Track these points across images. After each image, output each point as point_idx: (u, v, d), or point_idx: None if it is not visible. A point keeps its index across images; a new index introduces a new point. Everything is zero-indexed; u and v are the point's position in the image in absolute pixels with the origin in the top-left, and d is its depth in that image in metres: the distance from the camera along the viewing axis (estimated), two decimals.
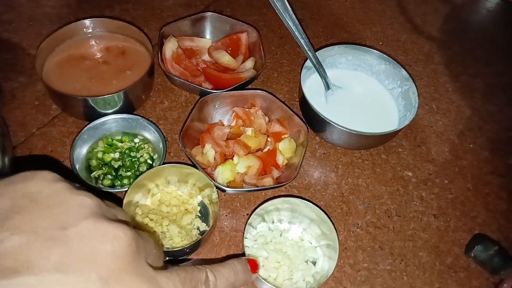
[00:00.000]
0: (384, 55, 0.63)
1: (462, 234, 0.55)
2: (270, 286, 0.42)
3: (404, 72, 0.62)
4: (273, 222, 0.51)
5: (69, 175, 0.49)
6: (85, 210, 0.25)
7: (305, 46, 0.59)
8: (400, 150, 0.63)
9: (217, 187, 0.48)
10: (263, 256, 0.47)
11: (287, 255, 0.48)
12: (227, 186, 0.51)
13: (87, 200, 0.25)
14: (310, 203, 0.48)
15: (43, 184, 0.25)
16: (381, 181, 0.59)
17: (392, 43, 0.78)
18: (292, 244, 0.49)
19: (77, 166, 0.50)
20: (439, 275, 0.51)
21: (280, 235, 0.50)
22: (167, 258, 0.47)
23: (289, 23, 0.57)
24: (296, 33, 0.58)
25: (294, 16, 0.57)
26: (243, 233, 0.47)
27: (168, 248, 0.45)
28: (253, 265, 0.39)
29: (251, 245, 0.48)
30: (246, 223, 0.47)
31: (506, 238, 0.55)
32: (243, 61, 0.66)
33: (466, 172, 0.62)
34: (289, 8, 0.57)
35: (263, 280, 0.42)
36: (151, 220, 0.48)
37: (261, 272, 0.46)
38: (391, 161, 0.61)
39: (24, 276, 0.22)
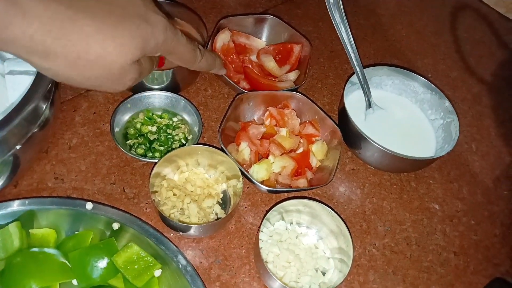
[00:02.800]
0: (431, 85, 0.63)
1: (480, 278, 0.53)
2: (279, 282, 0.42)
3: (448, 104, 0.61)
4: (291, 223, 0.51)
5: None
6: None
7: (354, 61, 0.59)
8: (431, 181, 0.61)
9: (252, 182, 0.49)
10: (274, 252, 0.47)
11: (299, 258, 0.47)
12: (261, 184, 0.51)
13: None
14: (333, 212, 0.47)
15: None
16: (406, 208, 0.57)
17: (442, 78, 0.77)
18: (306, 249, 0.49)
19: (115, 130, 0.52)
20: None
21: (296, 237, 0.50)
22: (180, 233, 0.47)
23: (343, 36, 0.58)
24: (348, 46, 0.59)
25: (349, 30, 0.58)
26: (259, 227, 0.47)
27: (185, 223, 0.46)
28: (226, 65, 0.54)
29: (265, 239, 0.48)
30: (263, 218, 0.47)
31: None
32: (289, 71, 0.67)
33: (495, 218, 0.60)
34: (346, 22, 0.58)
35: (271, 274, 0.42)
36: (174, 194, 0.49)
37: (270, 267, 0.45)
38: (420, 190, 0.60)
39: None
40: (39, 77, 0.44)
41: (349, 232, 0.47)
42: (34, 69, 0.50)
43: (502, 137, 0.71)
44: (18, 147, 0.42)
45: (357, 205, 0.56)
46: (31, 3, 0.28)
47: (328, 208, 0.48)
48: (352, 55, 0.59)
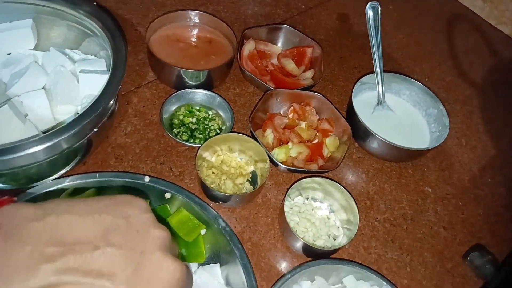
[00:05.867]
0: (427, 88, 0.73)
1: (465, 247, 0.64)
2: (301, 241, 0.53)
3: (442, 106, 0.72)
4: (307, 199, 0.62)
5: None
6: (159, 241, 0.31)
7: (377, 63, 0.70)
8: (425, 169, 0.72)
9: (273, 162, 0.60)
10: (295, 220, 0.58)
11: (315, 225, 0.58)
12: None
13: (163, 234, 0.32)
14: (343, 188, 0.58)
15: (136, 212, 0.32)
16: (403, 190, 0.68)
17: (437, 81, 0.88)
18: (320, 219, 0.60)
19: (164, 120, 0.63)
20: (438, 274, 0.60)
21: (312, 209, 0.60)
22: (221, 202, 0.58)
23: (373, 38, 0.69)
24: (375, 48, 0.70)
25: (379, 34, 0.69)
26: (283, 199, 0.58)
27: (223, 192, 0.57)
28: None
29: (287, 211, 0.59)
30: (285, 194, 0.58)
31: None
32: (304, 71, 0.79)
33: (480, 201, 0.70)
34: (379, 27, 0.69)
35: (295, 234, 0.53)
36: (213, 173, 0.60)
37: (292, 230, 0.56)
38: (415, 176, 0.71)
39: (104, 280, 0.28)
40: (112, 77, 0.55)
41: (356, 205, 0.57)
42: (101, 68, 0.61)
43: (489, 133, 0.81)
44: (95, 130, 0.53)
45: (362, 187, 0.67)
46: None
47: (339, 185, 0.59)
48: (377, 58, 0.70)
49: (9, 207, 0.29)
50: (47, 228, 0.28)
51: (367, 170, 0.69)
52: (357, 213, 0.57)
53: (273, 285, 0.49)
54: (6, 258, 0.26)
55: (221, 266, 0.54)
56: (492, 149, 0.79)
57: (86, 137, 0.54)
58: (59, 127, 0.49)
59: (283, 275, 0.50)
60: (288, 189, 0.60)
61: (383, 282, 0.50)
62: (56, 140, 0.48)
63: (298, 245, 0.54)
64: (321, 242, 0.57)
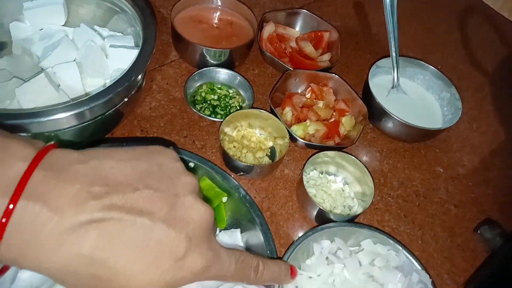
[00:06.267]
0: (440, 73, 0.76)
1: (474, 224, 0.66)
2: (319, 208, 0.55)
3: (454, 90, 0.74)
4: (322, 173, 0.64)
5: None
6: (190, 187, 0.33)
7: (393, 47, 0.72)
8: (437, 150, 0.74)
9: (292, 138, 0.63)
10: (312, 192, 0.61)
11: (331, 196, 0.61)
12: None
13: (192, 181, 0.34)
14: (357, 160, 0.61)
15: (168, 160, 0.34)
16: (416, 169, 0.71)
17: (450, 69, 0.90)
18: (335, 190, 0.62)
19: (188, 96, 0.66)
20: (448, 248, 0.62)
21: (327, 182, 0.63)
22: (242, 173, 0.61)
23: (389, 23, 0.71)
24: (391, 33, 0.71)
25: (396, 19, 0.71)
26: (300, 173, 0.61)
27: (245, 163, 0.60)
28: (293, 271, 0.46)
29: (304, 183, 0.61)
30: (303, 168, 0.61)
31: None
32: (322, 54, 0.81)
33: (489, 182, 0.72)
34: (395, 13, 0.71)
35: (316, 203, 0.56)
36: (234, 146, 0.63)
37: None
38: (428, 156, 0.73)
39: (144, 217, 0.30)
40: (142, 51, 0.57)
41: (370, 174, 0.60)
42: (130, 44, 0.64)
43: (499, 120, 0.83)
44: (125, 100, 0.56)
45: (376, 165, 0.70)
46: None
47: (353, 157, 0.61)
48: (393, 42, 0.72)
49: (56, 151, 0.31)
50: (91, 170, 0.30)
51: (381, 150, 0.72)
52: (372, 181, 0.59)
53: (295, 241, 0.52)
54: (59, 194, 0.28)
55: (241, 232, 0.56)
56: (503, 135, 0.81)
57: (115, 107, 0.56)
58: (91, 95, 0.52)
59: (306, 232, 0.52)
60: (304, 164, 0.62)
61: (399, 247, 0.52)
62: (87, 107, 0.51)
63: (316, 213, 0.57)
64: (338, 212, 0.59)
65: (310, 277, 0.49)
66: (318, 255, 0.51)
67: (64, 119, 0.50)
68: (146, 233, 0.29)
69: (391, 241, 0.53)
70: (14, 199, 0.26)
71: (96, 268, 0.28)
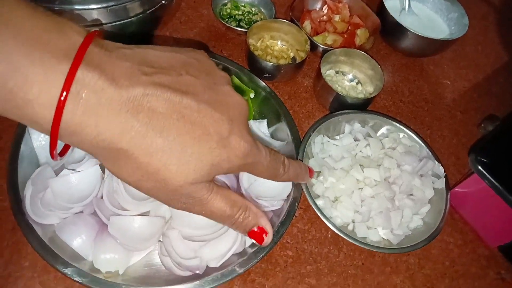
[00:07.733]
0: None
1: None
2: (337, 92, 0.62)
3: (462, 11, 0.79)
4: (337, 72, 0.70)
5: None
6: (226, 79, 0.36)
7: None
8: (445, 66, 0.80)
9: (312, 45, 0.69)
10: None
11: (345, 89, 0.67)
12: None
13: (226, 75, 0.37)
14: (367, 55, 0.67)
15: (203, 57, 0.36)
16: (425, 81, 0.76)
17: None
18: (349, 86, 0.70)
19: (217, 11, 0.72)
20: (454, 146, 0.69)
21: (342, 79, 0.69)
22: (267, 75, 0.67)
23: None
24: None
25: None
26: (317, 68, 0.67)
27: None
28: (311, 171, 0.50)
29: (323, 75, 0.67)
30: (319, 65, 0.67)
31: None
32: None
33: (493, 95, 0.78)
34: None
35: (333, 89, 0.62)
36: (259, 55, 0.69)
37: None
38: (436, 71, 0.79)
39: (189, 98, 0.31)
40: None
41: (381, 69, 0.66)
42: None
43: (503, 45, 0.89)
44: (164, 2, 0.61)
45: (389, 76, 0.75)
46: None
47: (364, 53, 0.67)
48: None
49: (101, 39, 0.31)
50: (137, 54, 0.31)
51: (393, 64, 0.78)
52: (382, 76, 0.65)
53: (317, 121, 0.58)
54: (114, 66, 0.29)
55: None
56: (506, 57, 0.86)
57: (157, 5, 0.61)
58: None
59: (326, 115, 0.59)
60: (320, 61, 0.68)
61: (413, 135, 0.59)
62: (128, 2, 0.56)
63: (334, 98, 0.63)
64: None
65: (336, 145, 0.56)
66: (347, 133, 0.59)
67: (103, 13, 0.55)
68: (193, 112, 0.31)
69: (407, 130, 0.60)
70: (76, 63, 0.26)
71: (148, 140, 0.29)
